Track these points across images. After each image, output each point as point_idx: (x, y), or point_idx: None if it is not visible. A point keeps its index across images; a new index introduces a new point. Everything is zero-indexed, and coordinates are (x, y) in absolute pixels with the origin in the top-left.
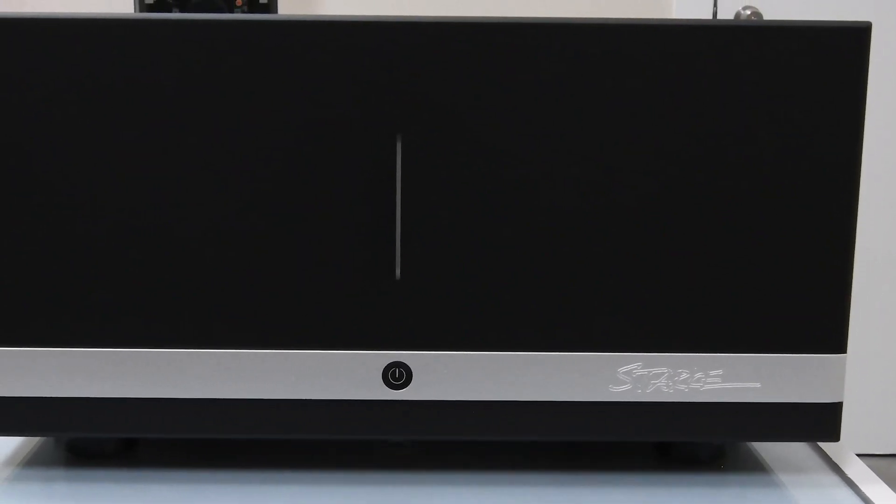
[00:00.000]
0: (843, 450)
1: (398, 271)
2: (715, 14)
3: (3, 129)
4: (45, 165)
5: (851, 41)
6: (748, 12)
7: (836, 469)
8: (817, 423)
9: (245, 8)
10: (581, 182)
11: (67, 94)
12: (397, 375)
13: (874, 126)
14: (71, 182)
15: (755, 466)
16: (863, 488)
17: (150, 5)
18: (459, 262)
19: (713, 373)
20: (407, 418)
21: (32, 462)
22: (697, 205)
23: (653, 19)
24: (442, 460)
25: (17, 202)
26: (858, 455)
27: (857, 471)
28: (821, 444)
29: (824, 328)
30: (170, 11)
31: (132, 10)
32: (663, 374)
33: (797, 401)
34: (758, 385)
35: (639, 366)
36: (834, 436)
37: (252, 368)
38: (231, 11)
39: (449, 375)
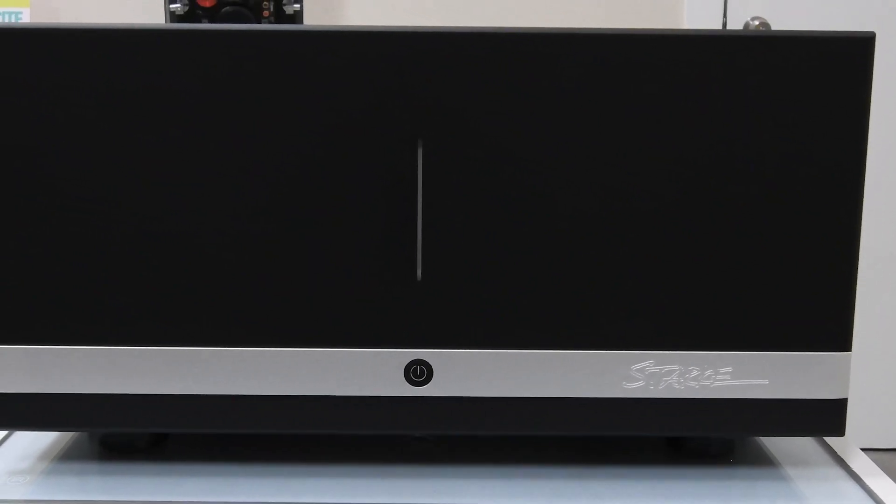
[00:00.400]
0: (847, 444)
1: (419, 272)
2: (724, 24)
3: (32, 135)
4: (81, 171)
5: (856, 50)
6: (756, 23)
7: (842, 463)
8: (823, 418)
9: (272, 19)
10: (595, 186)
11: (92, 101)
12: (418, 373)
13: (878, 132)
14: (104, 187)
15: (763, 460)
16: (867, 481)
17: (180, 16)
18: (478, 264)
19: (723, 370)
20: (428, 414)
21: (67, 456)
22: (708, 208)
23: (664, 29)
24: (461, 454)
25: (53, 207)
26: (863, 449)
27: (862, 464)
28: (826, 439)
29: (830, 327)
30: (199, 22)
31: (163, 21)
32: (675, 371)
33: (804, 397)
34: (766, 382)
35: (651, 363)
36: (839, 431)
37: (278, 366)
38: (259, 22)
39: (468, 373)
